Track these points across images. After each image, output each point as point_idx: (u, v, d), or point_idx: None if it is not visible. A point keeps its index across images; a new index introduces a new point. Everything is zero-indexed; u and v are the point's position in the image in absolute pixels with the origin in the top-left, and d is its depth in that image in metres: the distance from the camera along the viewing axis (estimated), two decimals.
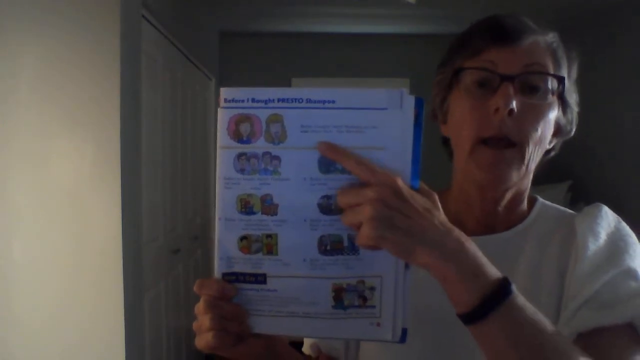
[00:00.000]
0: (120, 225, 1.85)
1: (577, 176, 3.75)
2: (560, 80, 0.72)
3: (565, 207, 0.82)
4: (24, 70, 1.81)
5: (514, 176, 0.72)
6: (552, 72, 0.72)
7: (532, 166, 0.73)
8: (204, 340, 0.58)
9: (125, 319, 1.86)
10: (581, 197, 3.64)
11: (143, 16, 2.21)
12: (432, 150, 0.94)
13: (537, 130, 0.70)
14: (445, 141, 0.81)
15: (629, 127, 3.32)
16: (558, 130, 0.75)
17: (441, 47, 0.80)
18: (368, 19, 3.91)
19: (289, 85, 4.34)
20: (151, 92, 2.39)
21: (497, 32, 0.72)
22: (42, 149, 1.82)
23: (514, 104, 0.68)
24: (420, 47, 4.02)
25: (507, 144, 0.70)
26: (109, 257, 1.84)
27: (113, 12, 1.83)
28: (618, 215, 0.76)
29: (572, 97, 0.76)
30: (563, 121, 0.75)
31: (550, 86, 0.71)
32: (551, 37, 0.74)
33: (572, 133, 0.78)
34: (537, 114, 0.70)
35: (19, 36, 1.80)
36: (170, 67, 2.74)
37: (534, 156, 0.72)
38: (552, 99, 0.72)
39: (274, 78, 4.27)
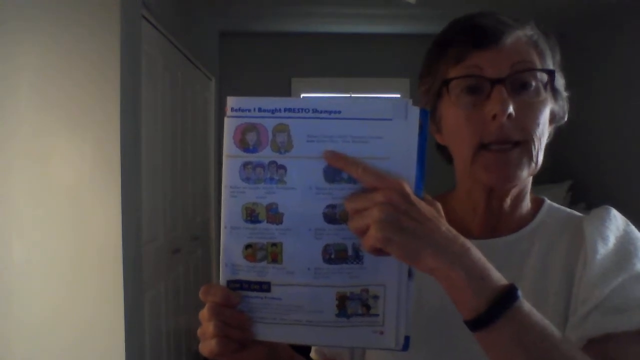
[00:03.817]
0: (120, 225, 1.85)
1: (577, 176, 3.75)
2: (550, 73, 0.71)
3: (565, 207, 0.81)
4: (24, 70, 1.80)
5: (525, 173, 0.71)
6: (539, 66, 0.71)
7: (540, 159, 0.72)
8: (207, 346, 0.58)
9: (125, 319, 1.86)
10: (581, 197, 3.65)
11: (143, 16, 2.20)
12: (432, 152, 0.94)
13: (538, 125, 0.70)
14: (440, 147, 0.80)
15: (629, 127, 3.32)
16: (553, 119, 0.75)
17: None
18: (368, 19, 3.91)
19: (288, 85, 4.33)
20: (151, 92, 2.39)
21: (477, 34, 0.70)
22: (42, 149, 1.82)
23: (511, 108, 0.67)
24: (420, 47, 4.00)
25: (512, 144, 0.69)
26: (109, 257, 1.84)
27: (113, 12, 1.83)
28: None
29: (560, 83, 0.75)
30: (556, 109, 0.75)
31: (540, 80, 0.71)
32: (530, 30, 0.72)
33: (565, 118, 0.77)
34: (534, 110, 0.70)
35: (19, 36, 1.80)
36: (170, 67, 2.74)
37: (540, 150, 0.71)
38: (545, 93, 0.71)
39: (274, 78, 4.26)
